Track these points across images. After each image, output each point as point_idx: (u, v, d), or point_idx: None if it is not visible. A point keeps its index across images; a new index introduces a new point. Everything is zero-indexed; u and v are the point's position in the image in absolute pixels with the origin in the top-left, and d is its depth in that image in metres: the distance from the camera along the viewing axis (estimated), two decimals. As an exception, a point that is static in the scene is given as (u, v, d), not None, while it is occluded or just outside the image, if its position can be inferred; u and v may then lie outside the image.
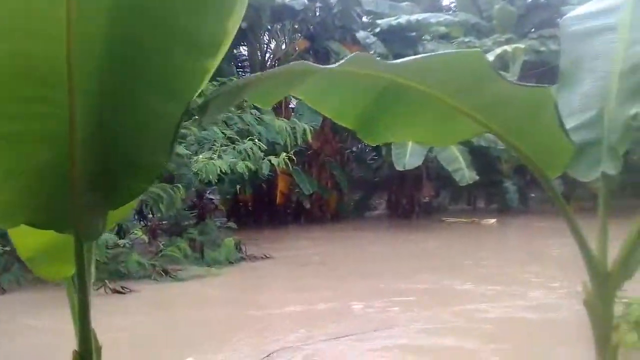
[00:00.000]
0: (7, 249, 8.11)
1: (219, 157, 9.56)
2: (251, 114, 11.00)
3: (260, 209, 16.98)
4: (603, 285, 2.40)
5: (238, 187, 13.27)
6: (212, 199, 13.21)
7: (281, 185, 15.51)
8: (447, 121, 2.23)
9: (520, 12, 18.25)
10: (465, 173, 13.61)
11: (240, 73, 16.66)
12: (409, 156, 13.39)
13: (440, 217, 16.94)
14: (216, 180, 9.52)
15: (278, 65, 17.14)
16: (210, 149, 9.97)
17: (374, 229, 15.81)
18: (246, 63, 17.57)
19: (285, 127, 11.10)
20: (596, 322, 2.43)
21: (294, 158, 11.25)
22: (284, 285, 8.86)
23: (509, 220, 15.96)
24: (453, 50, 2.34)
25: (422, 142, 2.23)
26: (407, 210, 17.40)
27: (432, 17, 16.81)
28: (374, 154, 17.99)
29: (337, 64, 1.75)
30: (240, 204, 16.43)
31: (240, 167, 9.72)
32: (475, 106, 2.16)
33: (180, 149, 9.66)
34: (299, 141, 11.82)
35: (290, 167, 11.50)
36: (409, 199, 17.37)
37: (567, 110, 2.69)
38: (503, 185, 16.71)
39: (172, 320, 6.98)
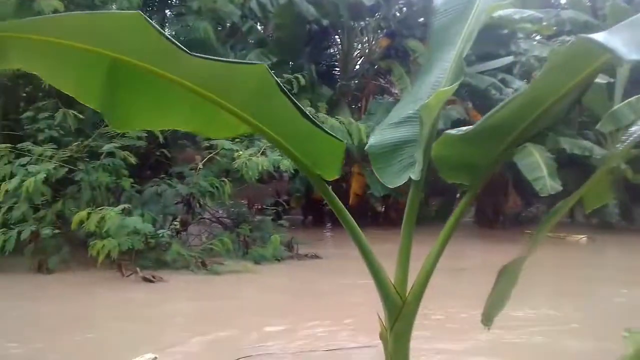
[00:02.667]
0: (58, 231, 8.78)
1: (262, 154, 9.55)
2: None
3: (337, 209, 16.84)
4: (398, 317, 2.00)
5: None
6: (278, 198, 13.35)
7: (355, 186, 15.22)
8: (210, 113, 1.98)
9: (634, 9, 16.32)
10: (546, 182, 12.43)
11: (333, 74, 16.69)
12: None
13: (528, 229, 15.67)
14: (254, 178, 9.50)
15: (363, 65, 16.98)
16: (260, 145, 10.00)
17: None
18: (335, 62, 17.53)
19: (339, 126, 10.80)
20: (389, 362, 2.04)
21: (356, 157, 10.87)
22: (310, 290, 8.60)
23: (606, 237, 14.35)
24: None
25: (190, 131, 1.97)
26: (492, 220, 16.34)
27: (529, 13, 15.54)
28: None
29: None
30: (316, 202, 16.38)
31: (285, 165, 9.63)
32: (236, 101, 1.89)
33: (228, 144, 9.81)
34: (355, 141, 11.47)
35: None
36: (495, 208, 16.27)
37: (402, 104, 2.29)
38: (602, 198, 15.04)
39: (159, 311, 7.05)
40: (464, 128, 1.72)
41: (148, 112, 2.00)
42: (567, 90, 1.62)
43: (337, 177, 1.96)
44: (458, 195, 17.55)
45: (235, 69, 1.82)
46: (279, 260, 10.18)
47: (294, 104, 1.76)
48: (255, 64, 1.79)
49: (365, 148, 2.18)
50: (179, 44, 1.65)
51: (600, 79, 13.41)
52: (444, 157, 1.84)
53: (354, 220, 2.01)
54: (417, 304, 2.00)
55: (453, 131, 1.73)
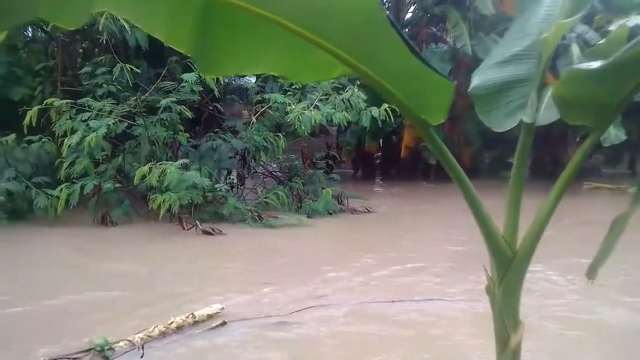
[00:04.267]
0: (119, 185, 8.97)
1: (315, 107, 9.40)
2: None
3: (388, 162, 16.66)
4: (508, 269, 1.88)
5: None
6: (328, 151, 13.26)
7: (407, 139, 14.98)
8: (303, 53, 1.85)
9: None
10: (610, 131, 11.85)
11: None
12: (543, 110, 12.01)
13: (587, 180, 15.16)
14: (307, 132, 9.39)
15: (415, 13, 16.40)
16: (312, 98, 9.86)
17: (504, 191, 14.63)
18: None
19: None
20: (497, 317, 1.93)
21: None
22: (363, 242, 8.56)
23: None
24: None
25: (278, 75, 1.86)
26: (550, 172, 15.82)
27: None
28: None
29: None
30: (366, 155, 16.24)
31: (337, 118, 9.48)
32: (335, 40, 1.76)
33: (281, 98, 9.70)
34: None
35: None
36: (552, 160, 15.75)
37: (506, 41, 2.11)
38: (669, 148, 14.37)
39: (221, 263, 7.15)
40: (595, 62, 1.54)
41: (240, 56, 1.89)
42: None
43: (443, 120, 1.82)
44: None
45: (339, 3, 1.68)
46: (330, 213, 10.18)
47: (405, 40, 1.61)
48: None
49: (469, 90, 2.02)
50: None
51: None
52: (568, 96, 1.67)
53: (461, 168, 1.88)
54: (529, 257, 1.87)
55: (582, 66, 1.56)
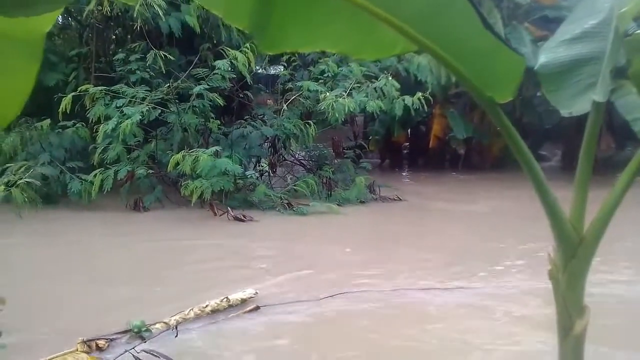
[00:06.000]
0: (151, 171, 9.05)
1: (349, 94, 9.32)
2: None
3: (416, 152, 16.50)
4: (574, 255, 1.82)
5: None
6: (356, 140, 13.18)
7: (436, 128, 14.79)
8: (365, 30, 1.80)
9: None
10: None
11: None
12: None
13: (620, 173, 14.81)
14: (340, 120, 9.33)
15: None
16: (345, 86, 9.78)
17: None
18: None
19: (427, 65, 10.33)
20: (560, 302, 1.87)
21: (438, 98, 10.46)
22: (397, 232, 8.51)
23: None
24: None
25: (338, 52, 1.82)
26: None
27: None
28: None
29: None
30: (394, 145, 16.09)
31: (371, 106, 9.39)
32: (403, 15, 1.70)
33: (313, 85, 9.64)
34: (443, 80, 10.99)
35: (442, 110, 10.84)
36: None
37: (574, 18, 2.03)
38: None
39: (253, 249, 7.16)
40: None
41: (301, 32, 1.84)
42: None
43: (511, 98, 1.75)
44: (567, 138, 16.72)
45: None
46: (362, 202, 10.11)
47: (479, 14, 1.55)
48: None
49: (535, 68, 1.95)
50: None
51: None
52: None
53: (527, 149, 1.81)
54: (597, 242, 1.81)
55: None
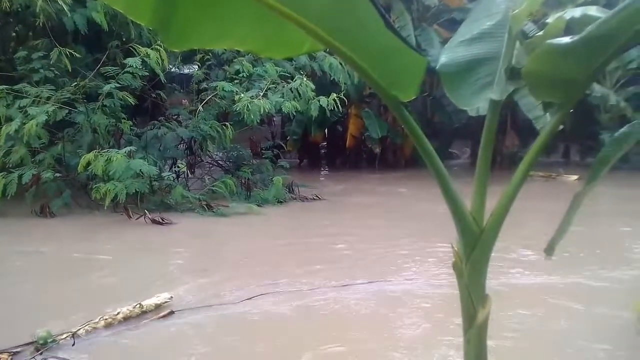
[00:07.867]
0: (58, 175, 8.60)
1: (264, 95, 9.30)
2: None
3: (333, 152, 16.75)
4: (475, 245, 1.91)
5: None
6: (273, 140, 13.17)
7: (352, 128, 15.10)
8: (273, 28, 1.80)
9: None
10: (547, 118, 12.34)
11: None
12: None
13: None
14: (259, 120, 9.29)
15: None
16: (260, 87, 9.74)
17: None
18: None
19: (338, 65, 10.47)
20: (464, 292, 1.96)
21: (352, 98, 10.66)
22: (314, 230, 8.59)
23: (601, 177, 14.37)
24: None
25: (246, 50, 1.79)
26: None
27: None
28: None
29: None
30: (312, 145, 16.26)
31: (287, 107, 9.41)
32: (309, 14, 1.71)
33: (228, 86, 9.54)
34: (356, 80, 11.20)
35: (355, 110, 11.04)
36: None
37: (473, 19, 2.13)
38: (599, 138, 15.09)
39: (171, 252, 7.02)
40: (565, 39, 1.58)
41: (207, 29, 1.82)
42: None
43: (414, 97, 1.82)
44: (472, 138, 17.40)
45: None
46: (281, 202, 10.13)
47: (382, 15, 1.59)
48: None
49: (437, 67, 2.03)
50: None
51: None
52: (539, 72, 1.70)
53: (431, 146, 1.88)
54: (496, 233, 1.91)
55: (554, 42, 1.59)
